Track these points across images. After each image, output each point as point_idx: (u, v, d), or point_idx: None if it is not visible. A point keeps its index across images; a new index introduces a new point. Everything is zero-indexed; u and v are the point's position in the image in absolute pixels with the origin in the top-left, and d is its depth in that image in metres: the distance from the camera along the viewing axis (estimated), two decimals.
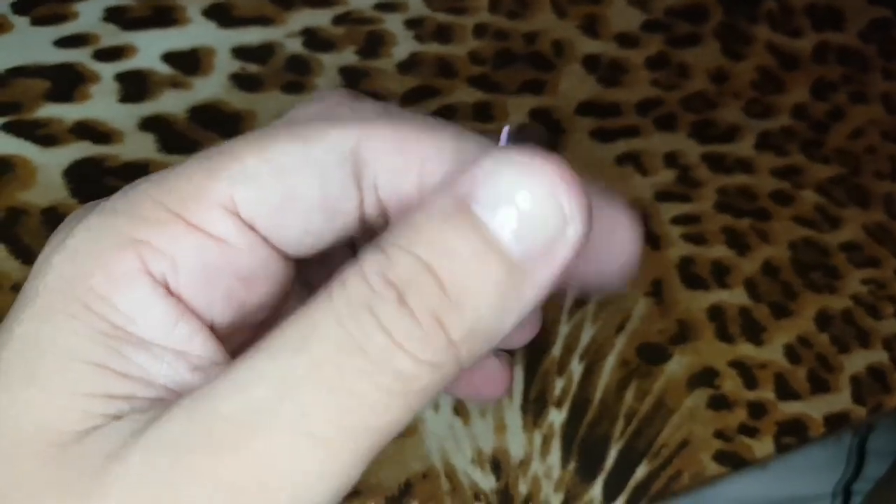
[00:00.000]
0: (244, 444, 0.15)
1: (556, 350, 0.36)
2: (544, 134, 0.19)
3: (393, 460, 0.34)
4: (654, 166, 0.41)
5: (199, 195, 0.18)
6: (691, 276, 0.39)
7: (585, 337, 0.37)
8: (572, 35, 0.43)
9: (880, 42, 0.46)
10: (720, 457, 0.36)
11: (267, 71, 0.39)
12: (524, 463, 0.34)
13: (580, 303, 0.37)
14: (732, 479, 0.37)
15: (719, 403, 0.37)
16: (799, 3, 0.46)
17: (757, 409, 0.37)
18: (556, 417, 0.35)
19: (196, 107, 0.38)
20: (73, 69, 0.38)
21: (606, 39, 0.43)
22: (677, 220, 0.40)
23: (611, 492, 0.35)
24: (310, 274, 0.22)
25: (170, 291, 0.18)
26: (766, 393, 0.37)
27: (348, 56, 0.40)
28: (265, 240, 0.19)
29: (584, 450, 0.35)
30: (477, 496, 0.34)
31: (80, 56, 0.38)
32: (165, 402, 0.17)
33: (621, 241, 0.19)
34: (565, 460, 0.35)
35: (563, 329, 0.37)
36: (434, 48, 0.41)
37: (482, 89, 0.41)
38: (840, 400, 0.38)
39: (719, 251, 0.40)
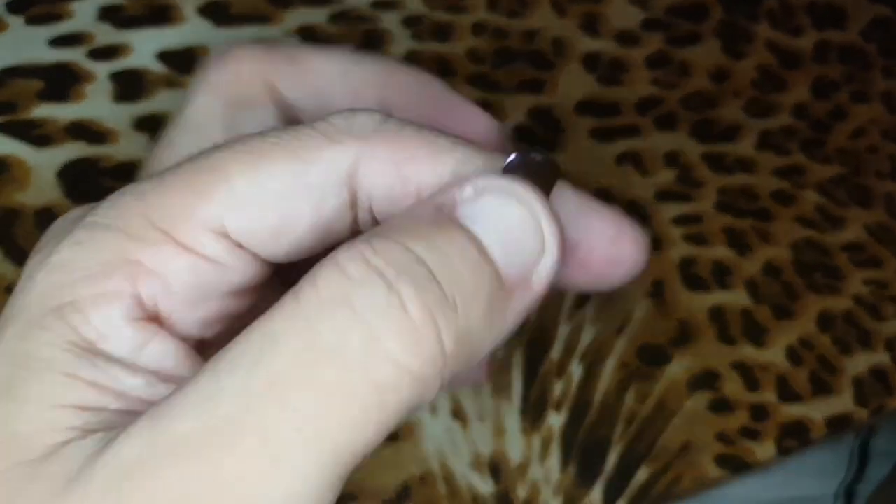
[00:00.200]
0: (207, 463, 0.14)
1: (556, 352, 0.36)
2: (554, 167, 0.18)
3: (390, 464, 0.33)
4: (654, 166, 0.40)
5: (188, 216, 0.17)
6: (692, 277, 0.38)
7: (585, 338, 0.37)
8: (572, 33, 0.43)
9: (881, 41, 0.46)
10: (721, 460, 0.35)
11: None
12: (523, 467, 0.34)
13: (580, 304, 0.37)
14: (734, 483, 0.36)
15: (720, 406, 0.36)
16: (800, 2, 0.46)
17: (758, 412, 0.36)
18: (556, 420, 0.35)
19: None
20: (68, 68, 0.38)
21: (606, 38, 0.43)
22: (678, 221, 0.39)
23: (611, 496, 0.34)
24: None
25: (158, 313, 0.17)
26: (768, 395, 0.37)
27: None
28: (255, 255, 0.18)
29: (583, 453, 0.35)
30: (475, 500, 0.33)
31: (74, 55, 0.38)
32: (137, 414, 0.16)
33: (619, 245, 0.19)
34: (564, 464, 0.34)
35: (563, 330, 0.37)
36: (432, 47, 0.41)
37: (481, 88, 0.40)
38: (842, 402, 0.37)
39: (720, 252, 0.39)
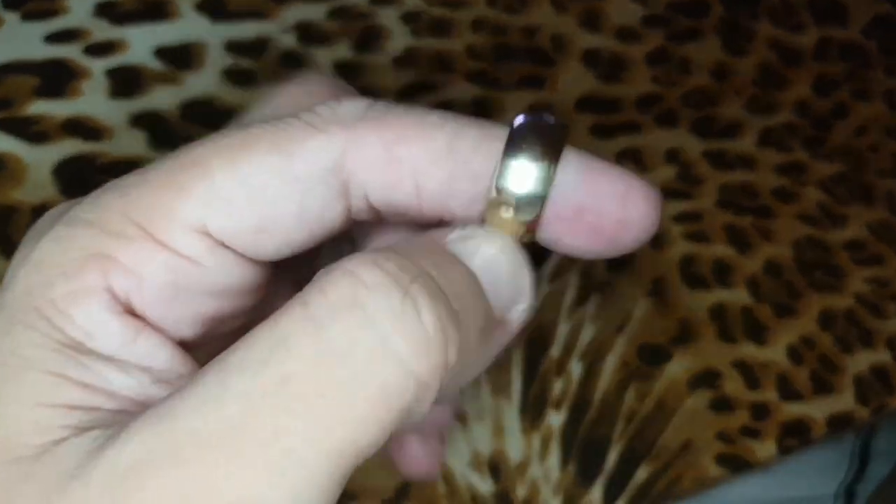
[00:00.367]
0: (212, 465, 0.14)
1: (556, 350, 0.36)
2: (563, 130, 0.18)
3: (389, 463, 0.33)
4: (654, 163, 0.40)
5: (168, 213, 0.17)
6: (692, 276, 0.38)
7: (585, 337, 0.36)
8: (572, 30, 0.42)
9: (883, 38, 0.46)
10: (722, 459, 0.35)
11: (260, 66, 0.39)
12: (522, 466, 0.34)
13: (580, 302, 0.37)
14: (734, 482, 0.36)
15: (721, 405, 0.36)
16: None
17: (759, 411, 0.36)
18: (555, 419, 0.35)
19: (188, 102, 0.37)
20: (64, 65, 0.37)
21: (606, 34, 0.43)
22: (678, 219, 0.39)
23: (611, 495, 0.34)
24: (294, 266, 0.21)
25: (132, 309, 0.17)
26: (769, 394, 0.36)
27: (343, 51, 0.40)
28: (240, 255, 0.17)
29: (583, 452, 0.35)
30: (475, 499, 0.33)
31: (70, 51, 0.38)
32: (130, 414, 0.16)
33: (630, 204, 0.18)
34: (564, 463, 0.34)
35: (563, 329, 0.36)
36: (430, 43, 0.41)
37: (480, 84, 0.40)
38: (843, 400, 0.37)
39: (721, 250, 0.39)
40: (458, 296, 0.16)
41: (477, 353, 0.16)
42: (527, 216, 0.17)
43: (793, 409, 0.36)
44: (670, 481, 0.35)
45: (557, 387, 0.35)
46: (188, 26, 0.39)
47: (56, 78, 0.37)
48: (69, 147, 0.36)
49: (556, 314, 0.36)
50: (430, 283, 0.15)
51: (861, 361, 0.38)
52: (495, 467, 0.34)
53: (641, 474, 0.34)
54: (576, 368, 0.36)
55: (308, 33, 0.40)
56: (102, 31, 0.38)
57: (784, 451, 0.36)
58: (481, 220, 0.18)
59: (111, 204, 0.17)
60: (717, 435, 0.35)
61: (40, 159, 0.35)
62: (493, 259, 0.17)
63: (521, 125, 0.17)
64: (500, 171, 0.17)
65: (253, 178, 0.17)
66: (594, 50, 0.42)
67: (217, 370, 0.15)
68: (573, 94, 0.41)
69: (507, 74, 0.41)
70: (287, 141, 0.17)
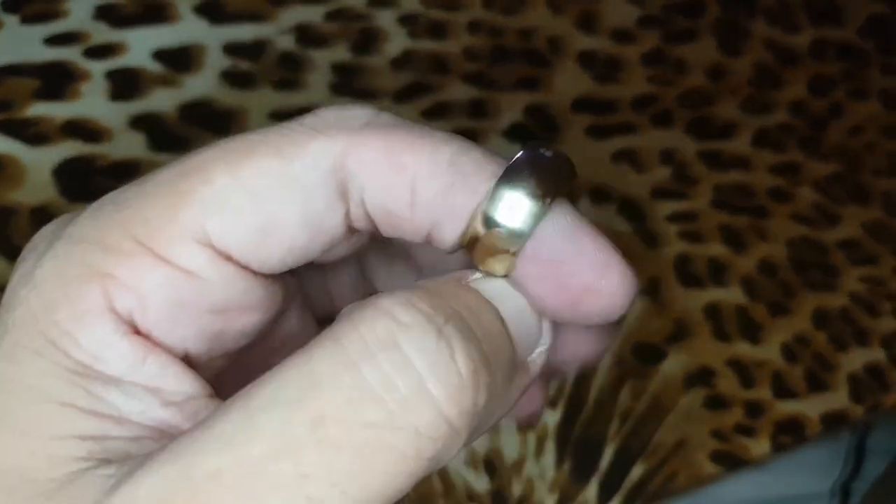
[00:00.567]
0: (238, 502, 0.14)
1: None
2: (566, 165, 0.18)
3: None
4: (649, 163, 0.40)
5: (168, 225, 0.16)
6: (687, 275, 0.38)
7: None
8: (567, 31, 0.43)
9: (878, 38, 0.46)
10: (716, 457, 0.35)
11: (259, 67, 0.39)
12: (518, 464, 0.34)
13: None
14: (729, 479, 0.36)
15: (715, 403, 0.36)
16: None
17: (753, 409, 0.36)
18: (551, 417, 0.35)
19: (187, 104, 0.38)
20: (64, 67, 0.38)
21: (602, 35, 0.43)
22: (673, 218, 0.39)
23: (606, 493, 0.34)
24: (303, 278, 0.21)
25: (137, 328, 0.16)
26: (763, 392, 0.37)
27: (341, 53, 0.40)
28: (244, 267, 0.17)
29: (578, 450, 0.35)
30: (471, 497, 0.33)
31: (70, 54, 0.38)
32: (141, 441, 0.15)
33: (604, 274, 0.17)
34: (560, 461, 0.34)
35: None
36: (427, 45, 0.41)
37: (476, 86, 0.40)
38: (837, 399, 0.37)
39: (716, 249, 0.39)
40: (488, 338, 0.16)
41: (502, 398, 0.16)
42: (507, 246, 0.17)
43: (787, 408, 0.37)
44: (665, 479, 0.35)
45: (552, 385, 0.36)
46: (187, 29, 0.39)
47: (56, 80, 0.37)
48: (69, 148, 0.36)
49: None
50: (463, 325, 0.15)
51: (855, 360, 0.38)
52: (491, 465, 0.34)
53: (636, 472, 0.35)
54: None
55: (306, 35, 0.40)
56: (102, 33, 0.38)
57: (778, 448, 0.36)
58: (462, 243, 0.18)
59: (109, 218, 0.17)
60: (711, 433, 0.36)
61: (40, 161, 0.36)
62: (520, 302, 0.17)
63: (518, 159, 0.17)
64: (491, 197, 0.17)
65: (254, 181, 0.16)
66: (590, 51, 0.42)
67: (243, 407, 0.14)
68: (569, 95, 0.41)
69: (503, 76, 0.41)
70: (288, 144, 0.17)
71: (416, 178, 0.17)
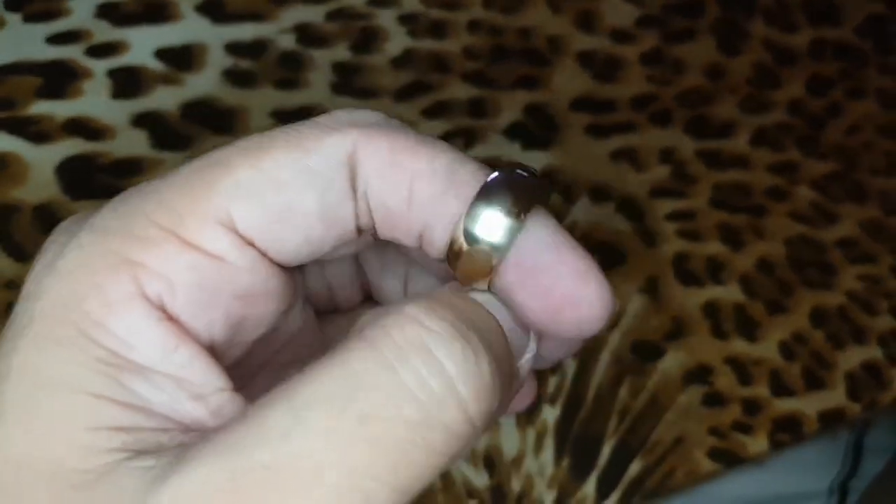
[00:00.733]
0: (290, 495, 0.14)
1: None
2: (540, 186, 0.19)
3: None
4: (648, 162, 0.41)
5: (194, 211, 0.17)
6: (686, 273, 0.39)
7: None
8: (566, 31, 0.43)
9: (876, 38, 0.46)
10: (714, 454, 0.36)
11: (260, 66, 0.39)
12: (517, 460, 0.34)
13: None
14: (727, 477, 0.37)
15: (713, 400, 0.36)
16: None
17: (751, 406, 0.37)
18: (550, 414, 0.35)
19: (189, 103, 0.38)
20: (66, 65, 0.38)
21: (601, 35, 0.43)
22: (672, 217, 0.40)
23: (604, 489, 0.35)
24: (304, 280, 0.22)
25: (167, 314, 0.17)
26: (761, 390, 0.37)
27: (341, 52, 0.40)
28: (263, 254, 0.18)
29: (577, 447, 0.35)
30: (470, 493, 0.34)
31: (72, 52, 0.38)
32: (171, 433, 0.16)
33: (583, 286, 0.18)
34: (558, 457, 0.35)
35: None
36: (428, 44, 0.41)
37: (476, 85, 0.41)
38: (835, 396, 0.38)
39: (714, 247, 0.39)
40: (496, 344, 0.17)
41: (505, 401, 0.17)
42: (488, 259, 0.18)
43: (784, 405, 0.37)
44: (663, 476, 0.35)
45: (552, 382, 0.36)
46: (189, 28, 0.39)
47: (58, 78, 0.38)
48: (71, 147, 0.36)
49: None
50: (479, 333, 0.16)
51: (853, 358, 0.38)
52: (490, 461, 0.34)
53: (634, 468, 0.35)
54: (570, 364, 0.36)
55: (307, 34, 0.40)
56: (104, 32, 0.39)
57: (776, 446, 0.36)
58: (447, 257, 0.18)
59: (134, 208, 0.17)
60: (709, 430, 0.36)
61: (42, 159, 0.36)
62: (509, 313, 0.18)
63: (493, 179, 0.18)
64: (470, 214, 0.18)
65: (275, 171, 0.17)
66: (589, 51, 0.43)
67: (286, 403, 0.15)
68: (568, 95, 0.41)
69: (503, 75, 0.41)
70: (305, 139, 0.18)
71: (414, 178, 0.18)
